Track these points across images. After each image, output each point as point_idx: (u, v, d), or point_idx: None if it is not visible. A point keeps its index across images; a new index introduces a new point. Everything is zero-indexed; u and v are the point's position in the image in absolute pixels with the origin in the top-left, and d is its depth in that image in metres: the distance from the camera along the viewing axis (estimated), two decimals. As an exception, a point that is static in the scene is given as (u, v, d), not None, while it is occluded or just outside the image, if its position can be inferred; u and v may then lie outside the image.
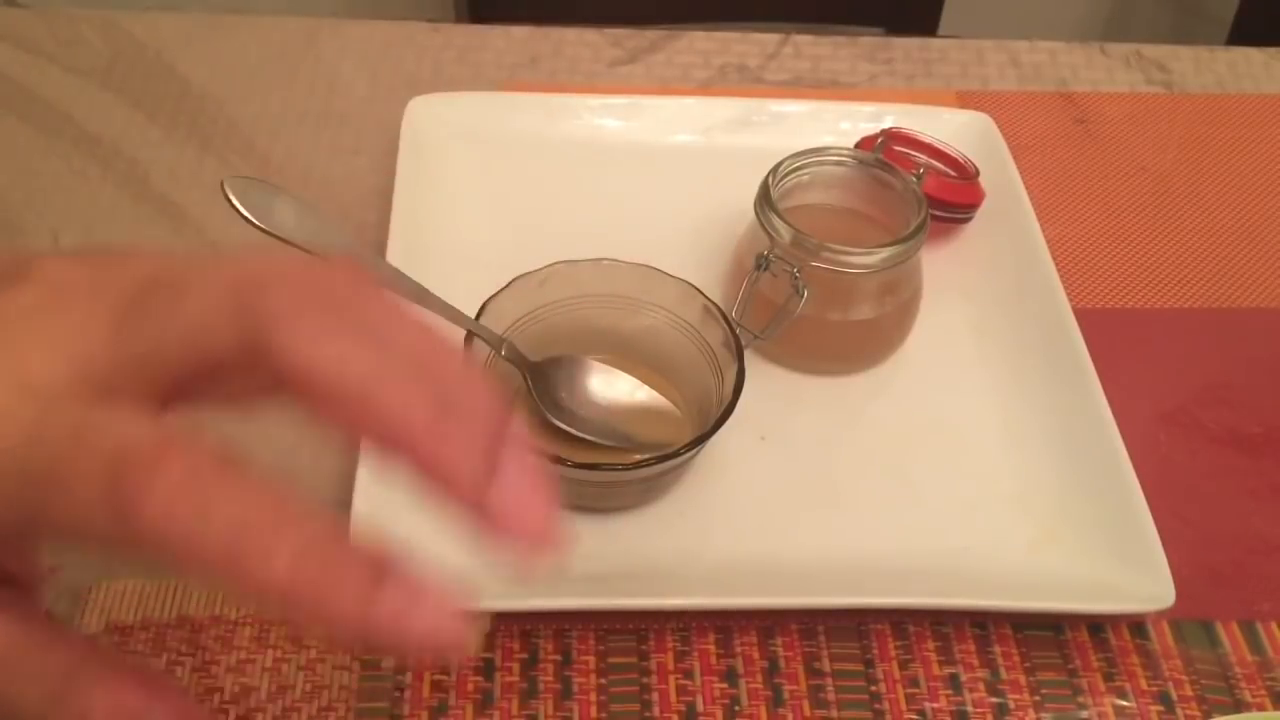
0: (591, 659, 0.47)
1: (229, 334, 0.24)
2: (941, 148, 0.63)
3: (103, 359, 0.25)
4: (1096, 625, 0.49)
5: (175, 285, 0.25)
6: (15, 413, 0.24)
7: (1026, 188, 0.64)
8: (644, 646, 0.48)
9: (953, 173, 0.62)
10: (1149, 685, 0.48)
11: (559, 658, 0.47)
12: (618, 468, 0.48)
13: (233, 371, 0.25)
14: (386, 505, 0.49)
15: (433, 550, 0.51)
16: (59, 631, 0.27)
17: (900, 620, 0.49)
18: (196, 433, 0.24)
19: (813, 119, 0.68)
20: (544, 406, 0.51)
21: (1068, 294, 0.58)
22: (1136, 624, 0.50)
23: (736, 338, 0.51)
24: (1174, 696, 0.48)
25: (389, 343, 0.25)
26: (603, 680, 0.47)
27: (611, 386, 0.53)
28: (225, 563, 0.23)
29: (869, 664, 0.48)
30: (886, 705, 0.47)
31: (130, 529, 0.23)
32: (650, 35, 0.78)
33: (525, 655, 0.47)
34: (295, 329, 0.24)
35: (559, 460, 0.47)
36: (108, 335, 0.25)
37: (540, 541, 0.25)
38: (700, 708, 0.46)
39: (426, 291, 0.51)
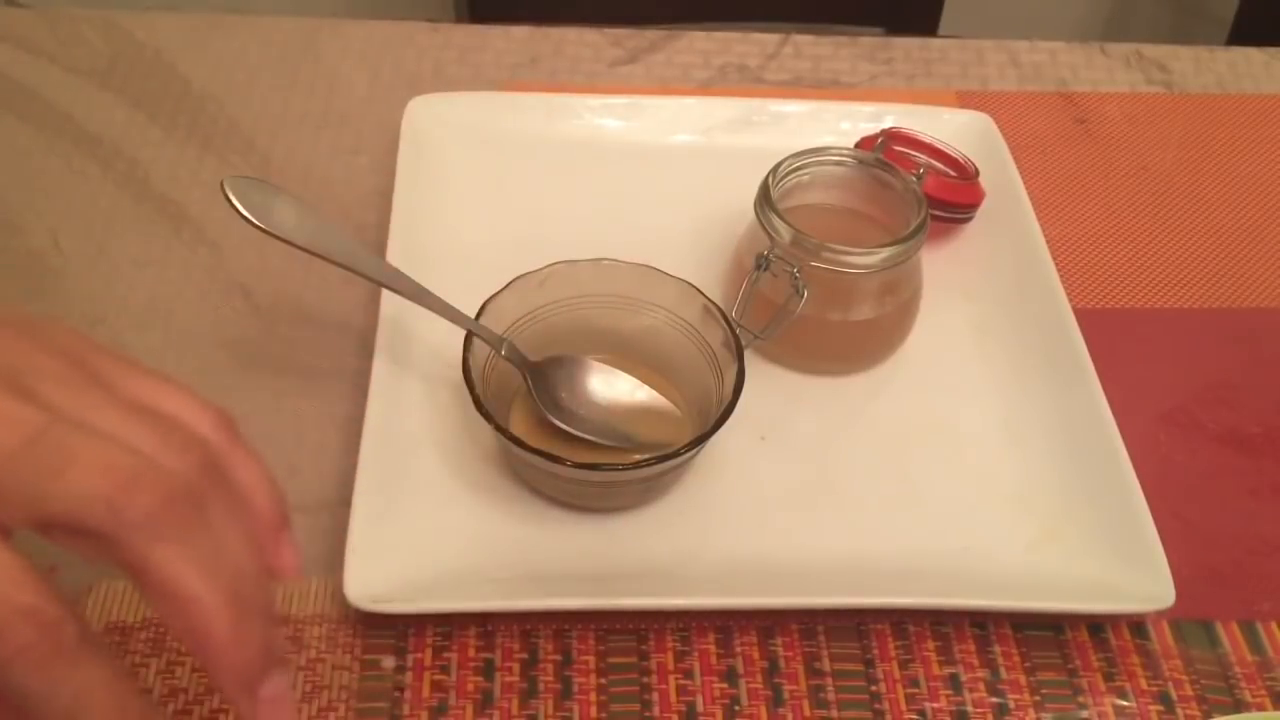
0: (591, 659, 0.47)
1: (93, 519, 0.29)
2: (941, 148, 0.63)
3: None
4: (1096, 625, 0.49)
5: (65, 450, 0.30)
6: None
7: (1026, 188, 0.64)
8: (644, 646, 0.48)
9: (953, 173, 0.62)
10: (1149, 685, 0.48)
11: (559, 658, 0.47)
12: (618, 468, 0.48)
13: (85, 537, 0.30)
14: (386, 505, 0.49)
15: (433, 549, 0.51)
16: None
17: (900, 620, 0.49)
18: (71, 607, 0.29)
19: (813, 119, 0.68)
20: (544, 406, 0.51)
21: (1068, 294, 0.58)
22: (1136, 624, 0.50)
23: (736, 338, 0.51)
24: (1174, 696, 0.48)
25: (218, 552, 0.31)
26: (603, 680, 0.47)
27: (611, 386, 0.53)
28: None
29: (869, 664, 0.48)
30: (886, 705, 0.47)
31: None
32: (650, 35, 0.78)
33: (525, 655, 0.47)
34: (146, 539, 0.30)
35: (559, 460, 0.47)
36: None
37: None
38: (700, 708, 0.46)
39: (426, 291, 0.51)
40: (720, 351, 0.52)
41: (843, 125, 0.67)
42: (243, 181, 0.48)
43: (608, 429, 0.52)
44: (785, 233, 0.54)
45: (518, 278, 0.52)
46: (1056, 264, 0.60)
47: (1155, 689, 0.48)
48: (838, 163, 0.58)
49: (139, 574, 0.30)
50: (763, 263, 0.55)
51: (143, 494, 0.30)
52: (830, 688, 0.47)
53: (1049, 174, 0.70)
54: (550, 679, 0.47)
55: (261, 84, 0.72)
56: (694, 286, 0.53)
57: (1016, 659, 0.48)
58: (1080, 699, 0.47)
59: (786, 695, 0.47)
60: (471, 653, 0.47)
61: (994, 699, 0.47)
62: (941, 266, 0.61)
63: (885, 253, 0.54)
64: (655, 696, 0.46)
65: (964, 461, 0.54)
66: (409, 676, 0.46)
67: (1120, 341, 0.60)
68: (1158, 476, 0.53)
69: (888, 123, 0.65)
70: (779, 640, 0.48)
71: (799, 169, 0.57)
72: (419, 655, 0.47)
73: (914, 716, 0.46)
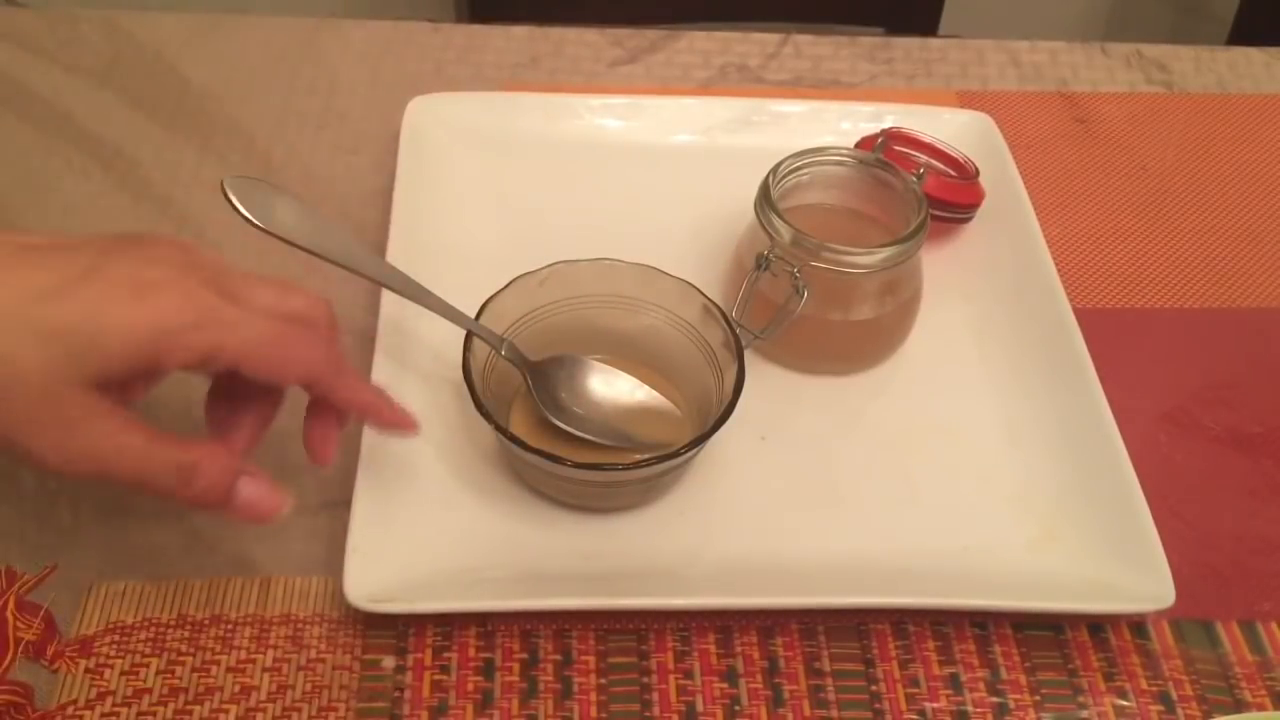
0: (591, 659, 0.47)
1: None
2: (942, 148, 0.63)
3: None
4: (1096, 625, 0.49)
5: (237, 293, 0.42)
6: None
7: (1026, 188, 0.64)
8: (644, 646, 0.48)
9: (953, 173, 0.62)
10: (1149, 685, 0.48)
11: (559, 658, 0.47)
12: (618, 468, 0.48)
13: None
14: (386, 506, 0.49)
15: (433, 549, 0.51)
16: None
17: (900, 620, 0.49)
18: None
19: (813, 119, 0.68)
20: (544, 406, 0.51)
21: (1068, 294, 0.58)
22: (1136, 624, 0.50)
23: (736, 338, 0.51)
24: (1174, 696, 0.48)
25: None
26: (603, 680, 0.47)
27: (611, 386, 0.53)
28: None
29: (869, 664, 0.48)
30: (886, 705, 0.47)
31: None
32: (650, 35, 0.78)
33: (525, 655, 0.47)
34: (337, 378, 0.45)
35: (559, 460, 0.47)
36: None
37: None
38: (700, 708, 0.46)
39: (426, 291, 0.51)
40: (720, 351, 0.52)
41: (843, 125, 0.67)
42: (243, 181, 0.48)
43: (608, 429, 0.52)
44: (785, 233, 0.54)
45: (518, 278, 0.52)
46: (1056, 264, 0.60)
47: (1155, 689, 0.48)
48: (838, 163, 0.58)
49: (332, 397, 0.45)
50: (763, 263, 0.55)
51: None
52: (830, 688, 0.47)
53: (1049, 174, 0.70)
54: (550, 679, 0.47)
55: (261, 84, 0.72)
56: (694, 286, 0.53)
57: (1016, 659, 0.48)
58: (1080, 699, 0.47)
59: (786, 695, 0.47)
60: (471, 653, 0.47)
61: (994, 699, 0.47)
62: (941, 266, 0.61)
63: (885, 253, 0.54)
64: (655, 696, 0.46)
65: (964, 461, 0.54)
66: (409, 676, 0.46)
67: (1120, 341, 0.60)
68: (1158, 476, 0.53)
69: (888, 123, 0.65)
70: (779, 640, 0.48)
71: (799, 169, 0.57)
72: (419, 655, 0.47)
73: (914, 716, 0.46)
